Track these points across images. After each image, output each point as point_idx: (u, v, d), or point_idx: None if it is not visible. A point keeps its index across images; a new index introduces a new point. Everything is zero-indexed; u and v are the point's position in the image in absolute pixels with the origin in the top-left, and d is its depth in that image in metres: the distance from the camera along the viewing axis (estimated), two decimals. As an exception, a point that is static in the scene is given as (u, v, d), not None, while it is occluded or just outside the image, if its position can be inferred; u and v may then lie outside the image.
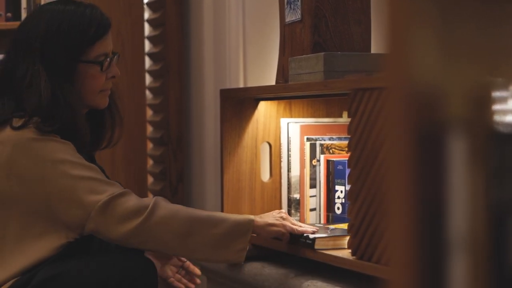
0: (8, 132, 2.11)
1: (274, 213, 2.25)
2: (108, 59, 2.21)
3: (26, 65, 2.14)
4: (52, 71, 2.13)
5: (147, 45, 3.65)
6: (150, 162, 3.68)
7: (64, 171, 2.08)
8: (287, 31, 2.52)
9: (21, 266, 2.09)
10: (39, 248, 2.09)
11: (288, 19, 2.50)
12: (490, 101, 0.65)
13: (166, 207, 2.12)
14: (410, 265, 0.61)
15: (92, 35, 2.17)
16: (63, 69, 2.14)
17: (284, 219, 2.22)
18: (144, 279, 2.10)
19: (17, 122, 2.11)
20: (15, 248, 2.10)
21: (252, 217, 2.18)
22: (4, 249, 2.11)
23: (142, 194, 3.33)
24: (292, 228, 2.21)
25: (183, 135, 3.55)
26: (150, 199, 2.13)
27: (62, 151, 2.11)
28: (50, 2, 2.29)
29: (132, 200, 2.10)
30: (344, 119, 2.57)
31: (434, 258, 0.61)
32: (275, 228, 2.20)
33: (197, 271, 2.34)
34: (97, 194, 2.08)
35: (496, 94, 0.66)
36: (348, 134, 2.05)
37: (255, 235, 2.21)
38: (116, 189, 2.11)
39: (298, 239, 2.21)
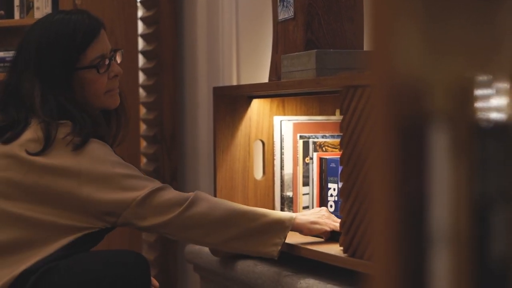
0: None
1: (315, 211, 2.26)
2: (106, 59, 2.21)
3: (26, 83, 2.16)
4: (50, 84, 2.14)
5: (141, 43, 3.64)
6: (144, 160, 3.67)
7: (105, 169, 2.11)
8: (280, 28, 2.51)
9: (46, 252, 2.10)
10: (68, 227, 2.11)
11: (281, 16, 2.50)
12: (473, 95, 0.65)
13: (207, 199, 2.15)
14: (392, 259, 0.61)
15: (81, 42, 2.18)
16: (60, 81, 2.15)
17: (326, 217, 2.23)
18: (138, 277, 2.10)
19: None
20: (40, 235, 2.10)
21: (293, 214, 2.20)
22: (31, 234, 2.11)
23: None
24: (336, 226, 2.21)
25: (177, 133, 3.54)
26: (191, 193, 2.16)
27: (102, 151, 2.12)
28: (45, 16, 2.31)
29: (172, 193, 2.14)
30: (337, 117, 2.56)
31: (417, 252, 0.61)
32: (318, 226, 2.20)
33: (155, 282, 2.35)
34: (138, 190, 2.12)
35: (479, 88, 0.65)
36: (340, 132, 2.05)
37: (296, 232, 2.22)
38: (155, 184, 2.15)
39: (339, 236, 2.20)
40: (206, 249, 2.53)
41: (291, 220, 2.16)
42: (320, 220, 2.21)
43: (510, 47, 0.68)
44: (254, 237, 2.15)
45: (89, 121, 2.16)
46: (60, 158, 2.10)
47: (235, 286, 2.44)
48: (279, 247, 2.15)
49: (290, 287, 2.13)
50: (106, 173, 2.11)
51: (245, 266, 2.35)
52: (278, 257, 2.17)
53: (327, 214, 2.24)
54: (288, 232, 2.16)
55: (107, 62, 2.22)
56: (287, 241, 2.24)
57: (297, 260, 2.25)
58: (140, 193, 2.11)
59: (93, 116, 2.19)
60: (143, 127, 3.66)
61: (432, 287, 0.61)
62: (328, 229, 2.20)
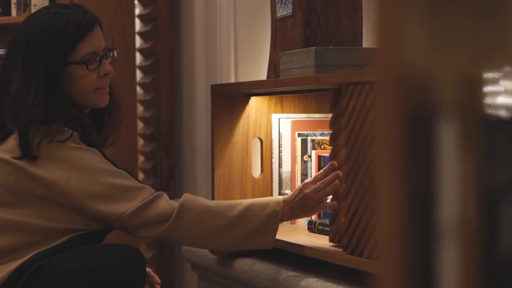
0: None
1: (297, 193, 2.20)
2: (97, 57, 2.19)
3: (14, 78, 2.14)
4: (36, 78, 2.12)
5: (138, 41, 3.63)
6: (141, 158, 3.66)
7: (95, 181, 2.10)
8: (278, 26, 2.51)
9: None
10: (62, 228, 2.11)
11: (280, 14, 2.49)
12: (481, 86, 0.64)
13: (193, 210, 2.14)
14: (399, 253, 0.60)
15: (73, 36, 2.15)
16: (48, 75, 2.12)
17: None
18: (133, 270, 2.09)
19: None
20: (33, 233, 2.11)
21: (280, 206, 2.16)
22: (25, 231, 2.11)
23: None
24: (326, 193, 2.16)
25: (174, 131, 3.54)
26: (176, 203, 2.14)
27: (91, 160, 2.11)
28: (41, 8, 2.29)
29: (160, 206, 2.13)
30: (336, 115, 2.56)
31: (424, 245, 0.60)
32: (314, 207, 2.19)
33: (157, 279, 2.36)
34: (128, 202, 2.11)
35: (487, 80, 0.65)
36: (330, 129, 2.08)
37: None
38: (146, 194, 2.13)
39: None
40: (203, 247, 2.52)
41: (278, 215, 2.15)
42: (310, 203, 2.17)
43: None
44: (244, 243, 2.18)
45: (82, 120, 2.15)
46: (49, 170, 2.09)
47: (233, 285, 2.43)
48: (272, 244, 2.17)
49: (288, 285, 2.12)
50: (95, 185, 2.10)
51: (243, 264, 2.35)
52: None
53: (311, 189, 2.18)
54: (276, 229, 2.17)
55: (98, 59, 2.20)
56: (285, 239, 2.23)
57: (296, 258, 2.24)
58: (129, 207, 2.10)
59: (80, 115, 2.18)
60: (140, 125, 3.65)
61: (440, 281, 0.60)
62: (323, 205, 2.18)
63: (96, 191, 2.09)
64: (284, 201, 2.16)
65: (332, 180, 2.10)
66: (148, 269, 2.37)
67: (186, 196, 2.17)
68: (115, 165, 2.18)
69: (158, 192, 2.16)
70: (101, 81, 2.20)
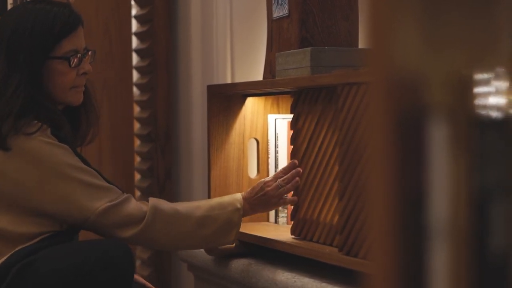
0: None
1: (257, 190, 2.31)
2: (78, 55, 2.21)
3: None
4: (19, 70, 2.13)
5: (135, 41, 3.64)
6: (138, 159, 3.67)
7: (62, 176, 2.10)
8: (274, 26, 2.51)
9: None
10: (32, 233, 2.11)
11: (276, 14, 2.49)
12: (471, 88, 0.64)
13: (163, 214, 2.18)
14: (390, 252, 0.60)
15: (58, 33, 2.18)
16: (29, 67, 2.14)
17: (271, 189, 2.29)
18: (120, 264, 2.09)
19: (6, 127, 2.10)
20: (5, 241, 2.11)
21: (240, 203, 2.26)
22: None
23: (129, 191, 3.32)
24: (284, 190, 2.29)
25: (171, 132, 3.54)
26: (147, 206, 2.17)
27: (60, 155, 2.11)
28: (25, 2, 2.31)
29: (129, 208, 2.15)
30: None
31: (415, 245, 0.60)
32: (273, 204, 2.32)
33: None
34: (96, 200, 2.12)
35: (478, 81, 0.65)
36: (291, 129, 2.25)
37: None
38: (114, 195, 2.15)
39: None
40: (200, 248, 2.53)
41: (240, 212, 2.24)
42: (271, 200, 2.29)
43: (507, 40, 0.67)
44: (211, 242, 2.26)
45: (56, 115, 2.16)
46: (21, 170, 2.10)
47: (229, 285, 2.44)
48: (236, 239, 2.27)
49: (284, 286, 2.12)
50: (65, 185, 2.11)
51: (239, 265, 2.35)
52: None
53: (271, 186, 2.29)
54: (240, 225, 2.25)
55: (78, 58, 2.22)
56: (281, 239, 2.24)
57: (292, 258, 2.24)
58: (97, 206, 2.11)
59: (54, 110, 2.19)
60: (137, 125, 3.65)
61: (431, 281, 0.60)
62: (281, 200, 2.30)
63: (66, 191, 2.10)
64: (244, 198, 2.28)
65: (292, 177, 2.27)
66: (143, 280, 2.39)
67: (154, 200, 2.21)
68: (86, 163, 2.19)
69: (126, 194, 2.19)
70: (79, 80, 2.23)
